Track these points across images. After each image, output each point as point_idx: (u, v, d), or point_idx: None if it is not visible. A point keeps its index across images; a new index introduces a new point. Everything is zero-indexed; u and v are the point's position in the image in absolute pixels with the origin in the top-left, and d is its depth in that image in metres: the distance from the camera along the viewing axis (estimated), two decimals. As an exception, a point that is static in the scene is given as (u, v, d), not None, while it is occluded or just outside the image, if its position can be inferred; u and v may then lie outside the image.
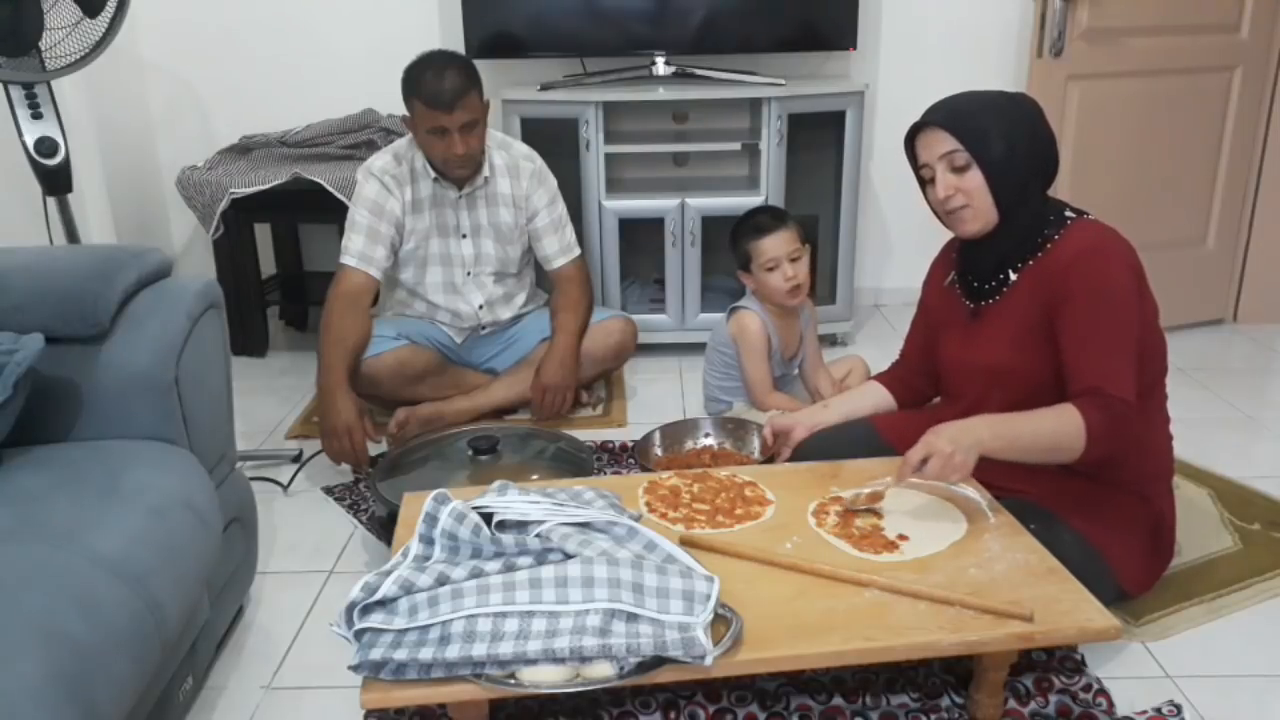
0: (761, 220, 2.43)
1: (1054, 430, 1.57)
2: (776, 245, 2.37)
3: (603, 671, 1.24)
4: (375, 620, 1.26)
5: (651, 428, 2.26)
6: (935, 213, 1.78)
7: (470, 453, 2.08)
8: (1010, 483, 1.71)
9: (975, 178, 1.68)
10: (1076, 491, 1.71)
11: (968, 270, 1.82)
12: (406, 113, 2.43)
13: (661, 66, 3.09)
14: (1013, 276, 1.74)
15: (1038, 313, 1.69)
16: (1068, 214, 1.73)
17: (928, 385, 2.01)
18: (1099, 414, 1.55)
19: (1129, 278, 1.64)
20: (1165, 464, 1.81)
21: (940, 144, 1.69)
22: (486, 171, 2.53)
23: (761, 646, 1.29)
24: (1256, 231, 3.26)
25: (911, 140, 1.76)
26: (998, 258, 1.75)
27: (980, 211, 1.70)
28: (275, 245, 3.43)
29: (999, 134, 1.66)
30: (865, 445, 1.88)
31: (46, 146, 2.25)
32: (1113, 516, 1.71)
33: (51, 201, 2.31)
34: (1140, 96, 2.97)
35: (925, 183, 1.76)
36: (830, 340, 3.17)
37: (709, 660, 1.24)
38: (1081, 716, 1.53)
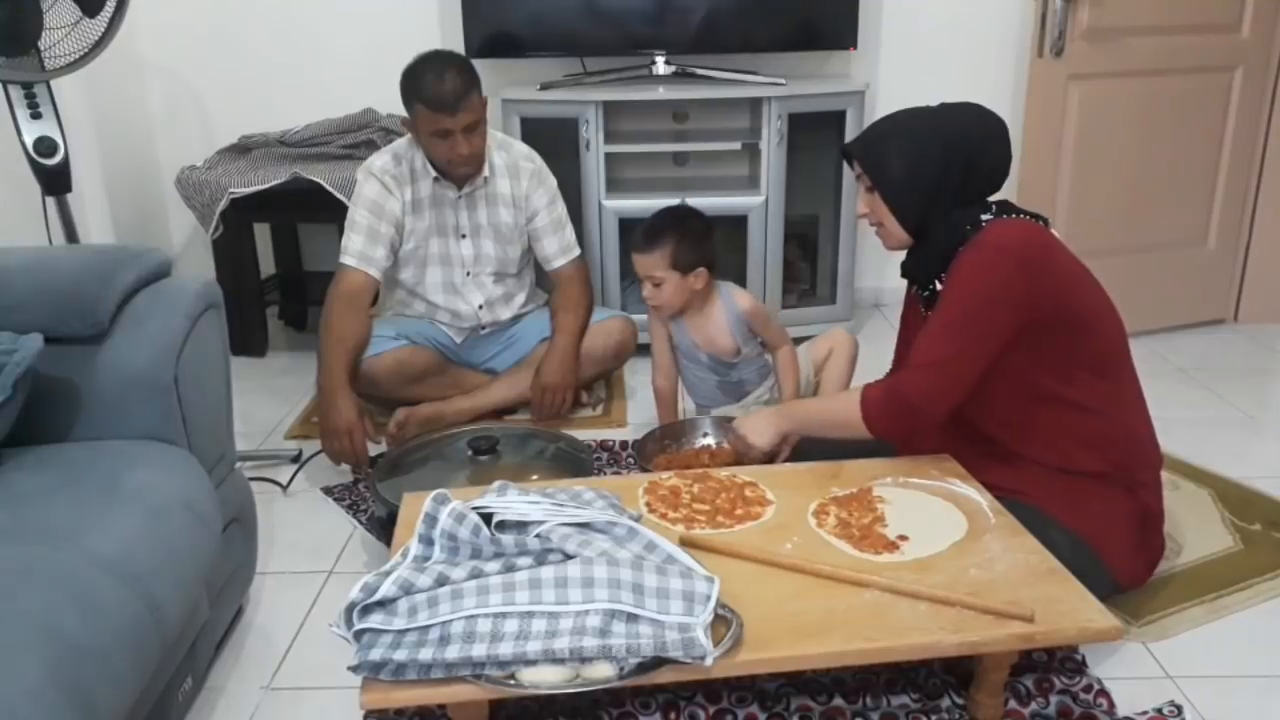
0: (640, 232, 2.28)
1: (832, 410, 1.88)
2: (637, 263, 2.27)
3: (603, 672, 1.24)
4: (375, 621, 1.26)
5: (651, 428, 2.27)
6: None
7: (470, 453, 2.08)
8: (999, 480, 1.71)
9: (879, 199, 1.76)
10: (1061, 488, 1.71)
11: (908, 280, 1.88)
12: (407, 115, 2.42)
13: (661, 66, 3.09)
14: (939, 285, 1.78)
15: None
16: (984, 217, 1.71)
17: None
18: (880, 396, 1.71)
19: (1006, 275, 1.64)
20: (1147, 455, 1.80)
21: (856, 166, 1.78)
22: (486, 171, 2.53)
23: (761, 647, 1.29)
24: (1257, 231, 3.26)
25: None
26: (924, 269, 1.79)
27: (890, 231, 1.79)
28: (275, 245, 3.42)
29: (899, 155, 1.72)
30: (865, 445, 1.87)
31: (46, 146, 2.25)
32: (1098, 510, 1.71)
33: (51, 201, 2.31)
34: (1141, 96, 2.97)
35: None
36: (830, 340, 3.16)
37: (709, 661, 1.24)
38: (1082, 717, 1.53)
